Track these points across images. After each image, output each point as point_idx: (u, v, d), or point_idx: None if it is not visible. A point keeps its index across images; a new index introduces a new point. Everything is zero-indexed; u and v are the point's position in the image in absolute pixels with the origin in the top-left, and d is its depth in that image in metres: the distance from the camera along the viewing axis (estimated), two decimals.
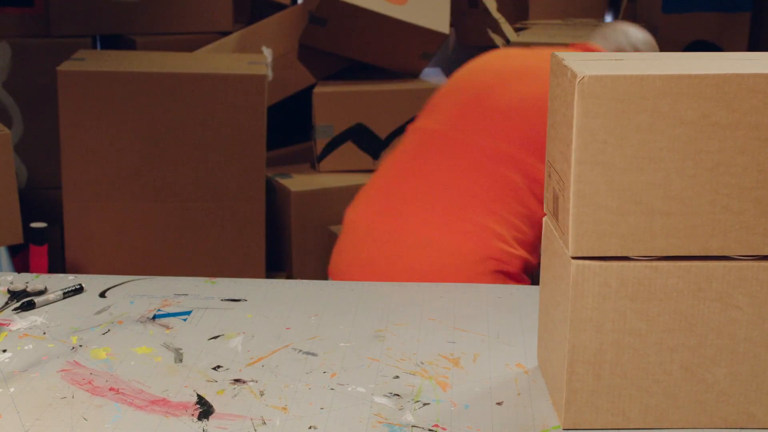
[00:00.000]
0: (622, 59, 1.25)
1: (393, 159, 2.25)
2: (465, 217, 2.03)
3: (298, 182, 3.42)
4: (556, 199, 1.27)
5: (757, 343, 1.23)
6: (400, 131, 3.54)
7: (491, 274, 1.99)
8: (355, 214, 2.20)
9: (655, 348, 1.23)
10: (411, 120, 3.49)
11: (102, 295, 1.65)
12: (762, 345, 1.23)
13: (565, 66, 1.21)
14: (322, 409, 1.29)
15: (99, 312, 1.59)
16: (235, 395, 1.33)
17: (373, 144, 3.55)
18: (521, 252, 2.03)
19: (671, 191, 1.18)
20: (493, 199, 2.03)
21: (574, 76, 1.17)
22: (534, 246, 2.08)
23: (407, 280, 1.91)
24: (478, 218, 2.02)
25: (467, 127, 2.13)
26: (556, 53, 1.29)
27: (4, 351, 1.45)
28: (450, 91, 2.30)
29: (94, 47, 3.65)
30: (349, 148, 3.53)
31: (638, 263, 1.21)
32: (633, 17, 4.35)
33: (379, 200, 2.17)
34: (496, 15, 3.80)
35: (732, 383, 1.24)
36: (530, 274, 2.10)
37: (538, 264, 2.08)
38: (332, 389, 1.35)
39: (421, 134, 2.23)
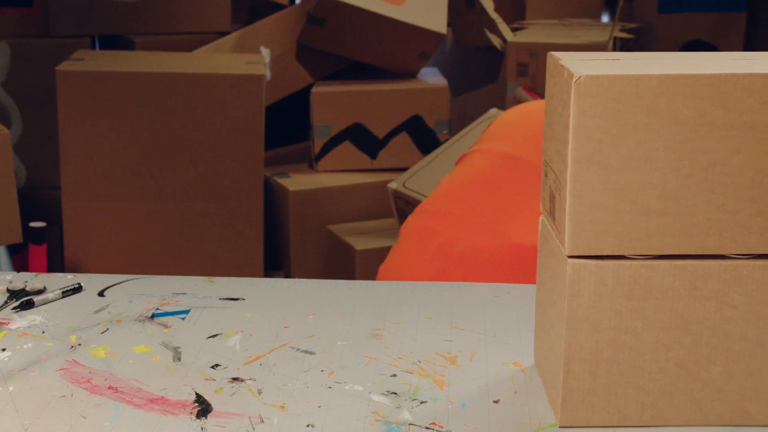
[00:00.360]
0: (618, 59, 1.25)
1: (465, 177, 2.21)
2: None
3: (296, 182, 3.42)
4: (552, 198, 1.27)
5: (753, 341, 1.23)
6: (397, 131, 3.55)
7: None
8: (422, 222, 2.15)
9: (651, 346, 1.23)
10: (409, 119, 3.52)
11: (101, 294, 1.65)
12: (757, 343, 1.23)
13: (562, 66, 1.21)
14: (320, 407, 1.29)
15: (98, 311, 1.59)
16: (234, 393, 1.33)
17: (371, 143, 3.55)
18: None
19: (667, 190, 1.18)
20: None
21: (571, 75, 1.17)
22: None
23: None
24: None
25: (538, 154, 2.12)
26: (552, 53, 1.29)
27: (3, 350, 1.45)
28: (512, 123, 2.29)
29: (93, 47, 3.65)
30: (347, 147, 3.54)
31: (634, 262, 1.21)
32: (629, 17, 4.36)
33: (456, 211, 2.12)
34: (493, 15, 3.81)
35: (727, 381, 1.24)
36: None
37: None
38: (330, 387, 1.35)
39: (494, 156, 2.20)
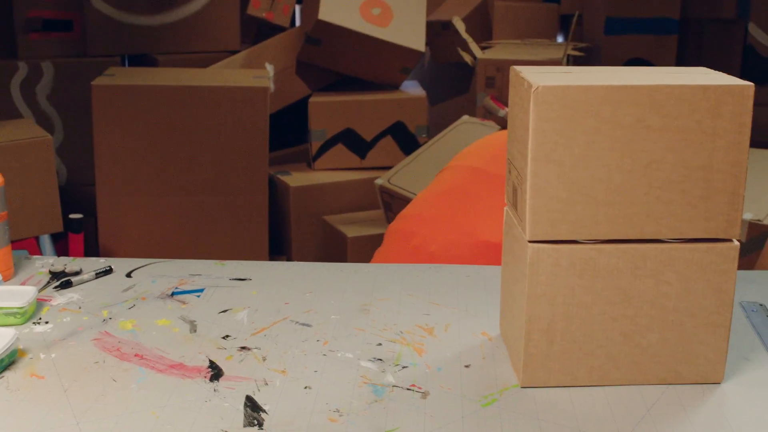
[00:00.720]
0: (570, 72, 1.24)
1: (443, 189, 2.20)
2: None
3: (296, 179, 3.41)
4: (515, 191, 1.27)
5: (684, 313, 1.22)
6: (383, 134, 3.54)
7: None
8: (404, 225, 2.15)
9: (599, 318, 1.22)
10: (393, 125, 3.51)
11: (128, 275, 1.64)
12: (687, 314, 1.22)
13: (523, 78, 1.21)
14: (315, 371, 1.28)
15: (126, 290, 1.57)
16: (242, 360, 1.32)
17: (360, 146, 3.54)
18: None
19: (612, 184, 1.18)
20: None
21: (530, 86, 1.16)
22: None
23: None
24: None
25: (503, 168, 2.13)
26: (514, 67, 1.28)
27: (47, 323, 1.44)
28: (479, 146, 2.30)
29: (123, 65, 3.63)
30: (339, 149, 3.53)
31: (585, 246, 1.20)
32: (580, 38, 4.36)
33: (430, 216, 2.13)
34: (465, 35, 3.80)
35: (663, 347, 1.24)
36: None
37: None
38: (324, 355, 1.34)
39: (465, 171, 2.20)
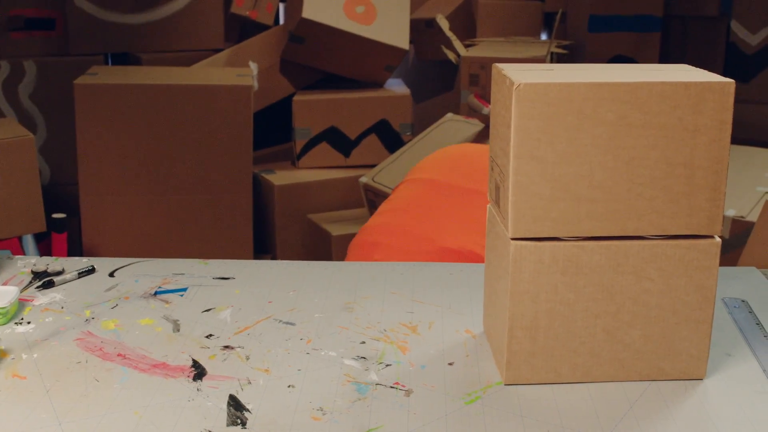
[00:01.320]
0: (552, 69, 1.25)
1: (402, 203, 2.24)
2: (459, 239, 2.04)
3: (280, 177, 3.40)
4: (497, 188, 1.27)
5: (666, 309, 1.23)
6: (367, 133, 3.54)
7: None
8: (367, 238, 2.18)
9: (581, 315, 1.23)
10: (377, 123, 3.51)
11: (111, 275, 1.63)
12: (670, 311, 1.23)
13: (505, 75, 1.21)
14: (299, 370, 1.28)
15: (108, 289, 1.57)
16: (225, 359, 1.31)
17: (344, 144, 3.54)
18: None
19: (594, 181, 1.18)
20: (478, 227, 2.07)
21: (512, 83, 1.16)
22: None
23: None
24: (471, 237, 2.04)
25: (460, 179, 2.18)
26: (497, 64, 1.28)
27: (29, 323, 1.43)
28: (435, 159, 2.35)
29: (106, 63, 3.62)
30: (324, 147, 3.52)
31: (567, 243, 1.20)
32: (564, 36, 4.37)
33: (393, 224, 2.16)
34: (449, 33, 3.80)
35: (645, 343, 1.24)
36: None
37: None
38: (308, 353, 1.34)
39: (422, 183, 2.25)
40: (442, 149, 2.45)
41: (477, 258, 2.00)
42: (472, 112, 3.51)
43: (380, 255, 2.05)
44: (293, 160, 3.57)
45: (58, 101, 3.43)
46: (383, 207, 2.27)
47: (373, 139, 3.56)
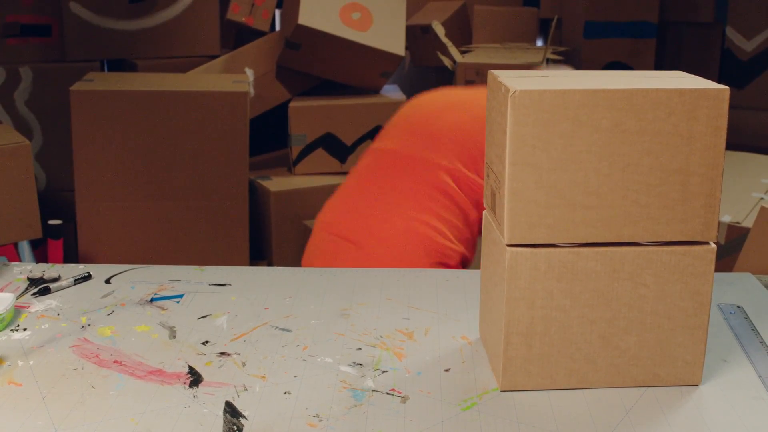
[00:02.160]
0: (548, 76, 1.25)
1: (356, 174, 2.32)
2: (410, 215, 2.08)
3: (276, 183, 3.40)
4: (493, 195, 1.27)
5: (661, 315, 1.23)
6: (364, 139, 3.54)
7: (434, 266, 2.03)
8: (324, 217, 2.24)
9: (577, 321, 1.23)
10: (373, 129, 3.51)
11: (107, 281, 1.63)
12: (665, 317, 1.23)
13: (500, 82, 1.21)
14: (295, 377, 1.28)
15: (105, 296, 1.57)
16: (221, 366, 1.31)
17: (340, 150, 3.54)
18: (459, 247, 2.10)
19: (590, 188, 1.18)
20: (431, 199, 2.11)
21: (507, 90, 1.16)
22: (469, 242, 2.15)
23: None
24: (420, 216, 2.07)
25: (414, 146, 2.22)
26: (492, 71, 1.28)
27: (25, 329, 1.43)
28: (400, 119, 2.40)
29: (102, 70, 3.62)
30: (320, 153, 3.52)
31: (563, 249, 1.21)
32: (559, 42, 4.38)
33: (346, 205, 2.22)
34: (445, 40, 3.81)
35: (641, 349, 1.24)
36: (466, 267, 2.16)
37: (473, 257, 2.13)
38: (304, 360, 1.34)
39: (379, 153, 2.31)
40: (411, 103, 2.45)
41: (424, 238, 2.02)
42: None
43: (336, 231, 2.14)
44: (289, 167, 3.57)
45: (54, 107, 3.43)
46: (344, 182, 2.33)
47: (368, 146, 3.56)
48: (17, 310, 1.49)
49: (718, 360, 1.34)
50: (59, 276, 1.63)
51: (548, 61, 3.75)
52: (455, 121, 2.22)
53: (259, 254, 3.41)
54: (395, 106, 3.60)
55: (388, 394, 1.24)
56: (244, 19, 3.83)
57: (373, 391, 1.25)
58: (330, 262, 2.09)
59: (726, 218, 2.37)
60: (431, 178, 2.13)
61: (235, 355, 1.35)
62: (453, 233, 2.09)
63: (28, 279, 1.62)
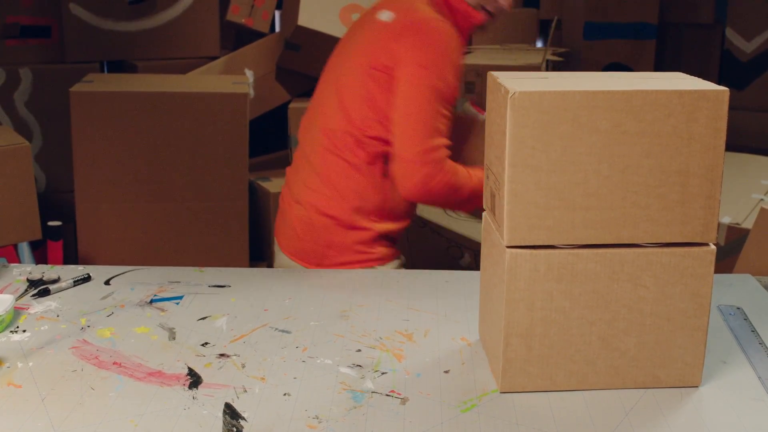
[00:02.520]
0: (547, 78, 1.25)
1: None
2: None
3: (276, 184, 3.40)
4: (493, 197, 1.27)
5: (661, 316, 1.23)
6: None
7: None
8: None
9: (577, 322, 1.23)
10: None
11: (107, 283, 1.63)
12: (665, 318, 1.23)
13: (500, 83, 1.21)
14: (295, 378, 1.28)
15: (104, 297, 1.57)
16: (221, 367, 1.31)
17: None
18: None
19: (589, 189, 1.18)
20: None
21: (507, 92, 1.16)
22: (363, 195, 1.90)
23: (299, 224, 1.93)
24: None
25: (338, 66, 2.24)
26: (491, 72, 1.29)
27: (24, 331, 1.43)
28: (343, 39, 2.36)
29: (102, 71, 3.62)
30: None
31: (562, 251, 1.21)
32: (559, 43, 4.37)
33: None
34: None
35: (641, 351, 1.24)
36: (392, 239, 1.95)
37: (398, 231, 1.93)
38: (304, 361, 1.34)
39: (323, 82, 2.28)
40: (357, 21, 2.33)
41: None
42: None
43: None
44: None
45: (53, 109, 3.43)
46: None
47: None
48: (17, 312, 1.49)
49: (718, 361, 1.34)
50: (59, 277, 1.63)
51: (548, 62, 3.75)
52: (381, 23, 2.14)
53: (259, 255, 3.41)
54: None
55: (387, 395, 1.24)
56: (243, 20, 3.83)
57: (372, 392, 1.25)
58: (280, 218, 2.07)
59: (726, 219, 2.37)
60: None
61: (234, 357, 1.35)
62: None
63: (28, 280, 1.62)
